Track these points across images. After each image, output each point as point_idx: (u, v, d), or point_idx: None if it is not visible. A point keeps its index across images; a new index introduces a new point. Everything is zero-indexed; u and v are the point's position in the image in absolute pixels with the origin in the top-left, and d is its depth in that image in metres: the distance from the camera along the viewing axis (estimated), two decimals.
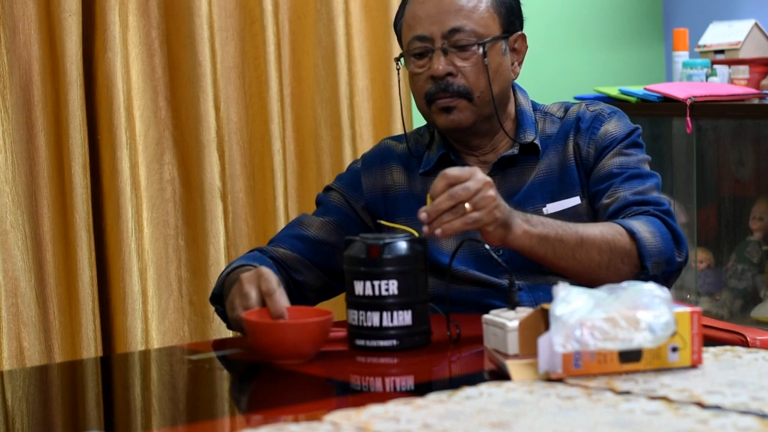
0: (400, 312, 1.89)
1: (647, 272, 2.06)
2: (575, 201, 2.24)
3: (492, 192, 1.87)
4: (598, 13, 4.09)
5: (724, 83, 3.70)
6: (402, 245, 1.90)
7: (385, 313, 1.89)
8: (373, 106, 3.45)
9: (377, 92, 3.45)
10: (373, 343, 1.90)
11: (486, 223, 1.88)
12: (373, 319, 1.89)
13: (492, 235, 1.91)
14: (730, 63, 3.75)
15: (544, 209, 2.23)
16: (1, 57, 2.93)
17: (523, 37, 2.29)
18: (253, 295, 1.92)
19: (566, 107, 2.32)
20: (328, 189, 2.38)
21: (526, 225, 1.96)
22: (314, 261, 2.29)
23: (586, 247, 2.02)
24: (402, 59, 2.27)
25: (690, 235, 3.74)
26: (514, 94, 2.32)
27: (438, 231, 1.84)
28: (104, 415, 1.75)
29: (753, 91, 3.60)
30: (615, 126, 2.26)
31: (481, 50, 2.20)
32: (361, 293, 1.90)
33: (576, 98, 3.82)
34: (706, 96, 3.54)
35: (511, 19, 2.26)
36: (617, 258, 2.04)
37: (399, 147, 2.36)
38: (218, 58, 3.20)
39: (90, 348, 2.96)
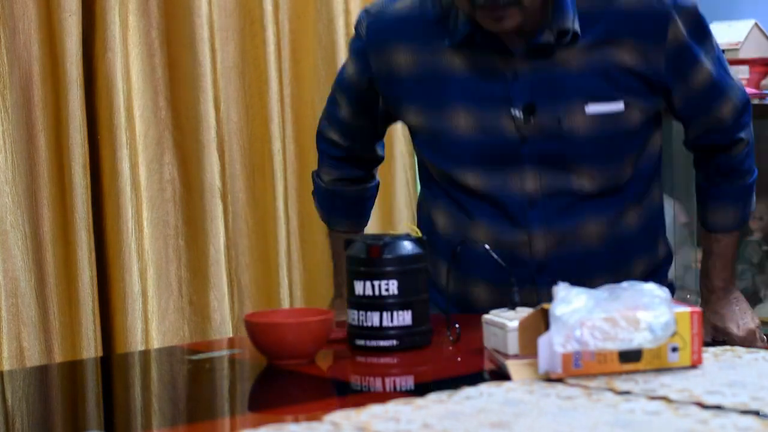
0: (400, 312, 1.89)
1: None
2: (619, 107, 2.12)
3: None
4: None
5: None
6: (402, 245, 1.90)
7: (385, 313, 1.89)
8: None
9: None
10: (373, 343, 1.90)
11: None
12: (373, 319, 1.89)
13: None
14: (730, 63, 3.74)
15: (586, 108, 2.10)
16: (1, 57, 2.93)
17: None
18: None
19: None
20: (343, 68, 2.39)
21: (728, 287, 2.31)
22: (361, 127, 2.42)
23: None
24: None
25: (690, 235, 3.73)
26: None
27: None
28: (104, 415, 1.75)
29: (753, 91, 3.60)
30: (686, 25, 2.25)
31: None
32: (361, 293, 1.90)
33: None
34: None
35: None
36: None
37: (410, 12, 2.19)
38: (218, 58, 3.20)
39: (90, 348, 2.96)
